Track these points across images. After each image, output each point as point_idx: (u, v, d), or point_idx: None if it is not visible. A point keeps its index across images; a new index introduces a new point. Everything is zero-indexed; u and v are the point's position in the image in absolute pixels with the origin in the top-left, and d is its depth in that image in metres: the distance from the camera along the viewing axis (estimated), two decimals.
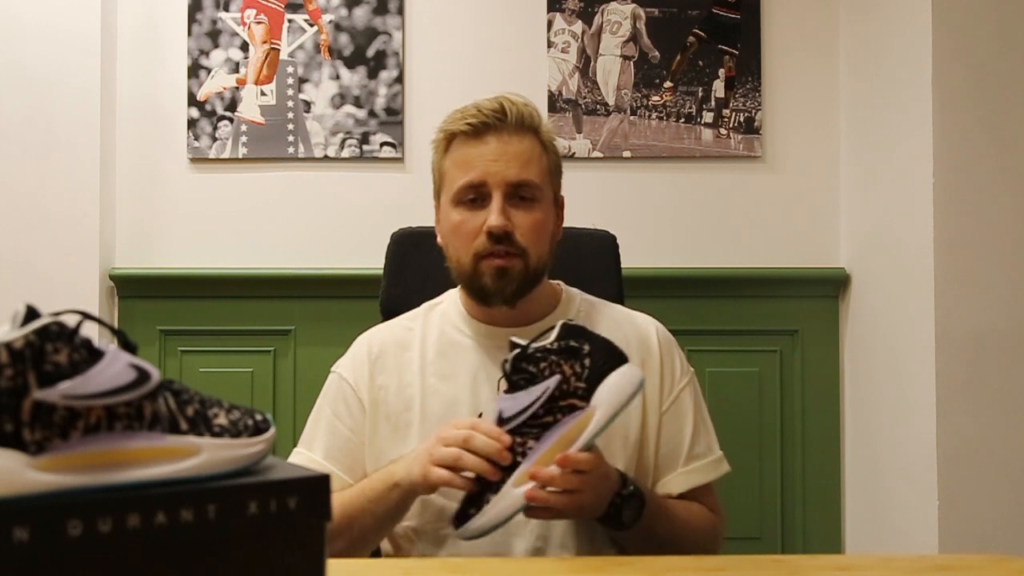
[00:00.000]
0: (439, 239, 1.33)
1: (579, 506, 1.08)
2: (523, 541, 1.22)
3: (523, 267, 1.24)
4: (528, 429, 1.05)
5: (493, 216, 1.22)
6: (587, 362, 1.06)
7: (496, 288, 1.24)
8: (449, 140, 1.29)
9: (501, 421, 1.07)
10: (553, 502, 1.05)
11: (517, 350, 1.07)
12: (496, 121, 1.25)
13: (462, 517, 1.05)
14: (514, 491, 1.03)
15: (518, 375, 1.06)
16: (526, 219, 1.25)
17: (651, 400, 1.29)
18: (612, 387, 1.06)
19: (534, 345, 1.06)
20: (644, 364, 1.30)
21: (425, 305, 1.38)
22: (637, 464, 1.26)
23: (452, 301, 1.36)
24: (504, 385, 1.10)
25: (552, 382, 1.05)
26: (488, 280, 1.24)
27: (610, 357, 1.08)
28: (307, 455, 1.29)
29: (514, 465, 1.05)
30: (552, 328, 1.10)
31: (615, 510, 1.12)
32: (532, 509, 1.06)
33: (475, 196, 1.25)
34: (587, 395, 1.06)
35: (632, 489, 1.13)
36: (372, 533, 1.20)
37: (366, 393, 1.30)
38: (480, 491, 1.05)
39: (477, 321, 1.32)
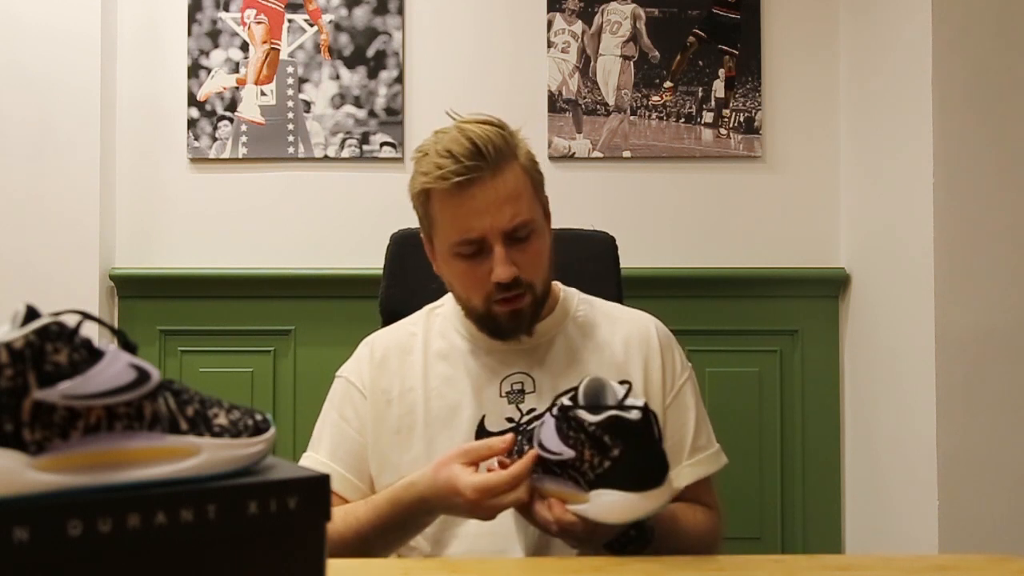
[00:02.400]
0: (436, 269, 1.31)
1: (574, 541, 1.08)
2: (526, 539, 1.22)
3: (532, 299, 1.25)
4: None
5: (499, 269, 1.21)
6: (607, 465, 0.98)
7: (512, 327, 1.26)
8: (428, 192, 1.23)
9: (540, 446, 1.05)
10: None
11: (567, 399, 1.02)
12: (476, 169, 1.19)
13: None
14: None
15: (567, 440, 1.01)
16: (527, 255, 1.24)
17: (654, 396, 1.29)
18: (606, 504, 0.99)
19: (582, 413, 0.99)
20: (646, 360, 1.31)
21: (426, 308, 1.39)
22: None
23: (452, 305, 1.36)
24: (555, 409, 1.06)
25: (566, 455, 1.00)
26: (503, 322, 1.25)
27: (634, 476, 0.98)
28: (315, 459, 1.30)
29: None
30: (622, 388, 1.01)
31: (619, 545, 1.10)
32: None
33: (475, 250, 1.23)
34: (590, 486, 1.00)
35: (633, 535, 1.10)
36: (391, 549, 1.22)
37: (370, 396, 1.31)
38: None
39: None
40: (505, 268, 1.20)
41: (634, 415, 0.97)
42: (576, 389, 1.03)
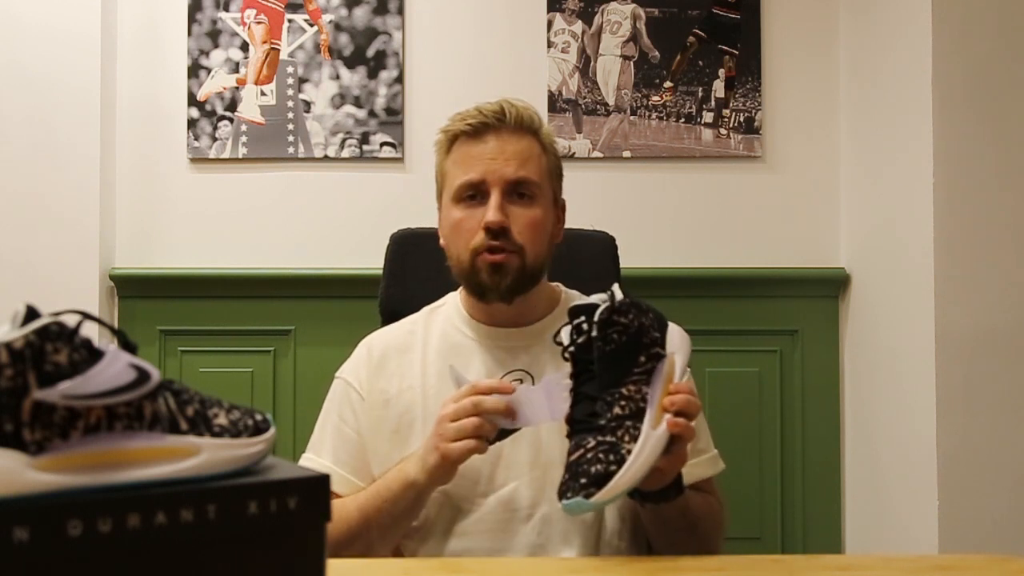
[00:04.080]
0: (441, 240, 1.34)
1: (694, 434, 1.08)
2: (526, 536, 1.22)
3: (519, 263, 1.26)
4: (637, 377, 1.07)
5: (490, 212, 1.24)
6: (651, 315, 1.10)
7: (492, 283, 1.26)
8: (451, 142, 1.31)
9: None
10: (690, 429, 1.06)
11: (607, 302, 1.08)
12: (496, 121, 1.28)
13: (574, 487, 1.01)
14: (656, 432, 1.03)
15: (611, 329, 1.07)
16: (523, 216, 1.26)
17: None
18: (675, 334, 1.13)
19: (618, 298, 1.08)
20: None
21: (426, 308, 1.39)
22: None
23: (453, 303, 1.37)
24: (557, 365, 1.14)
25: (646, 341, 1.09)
26: (485, 276, 1.26)
27: (657, 314, 1.13)
28: (316, 460, 1.30)
29: (640, 412, 1.05)
30: (594, 304, 1.09)
31: (659, 495, 1.11)
32: (673, 446, 1.05)
33: (474, 194, 1.27)
34: (661, 343, 1.10)
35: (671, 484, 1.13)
36: (390, 533, 1.22)
37: (368, 397, 1.31)
38: (587, 459, 1.02)
39: (478, 322, 1.33)
40: (496, 212, 1.24)
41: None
42: (591, 318, 1.08)
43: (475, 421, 1.09)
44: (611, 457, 1.01)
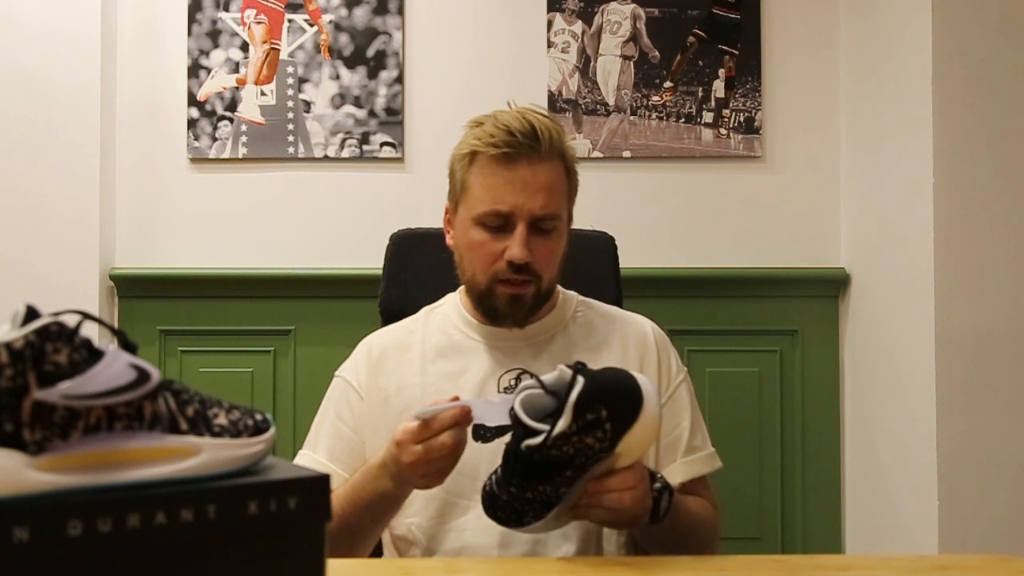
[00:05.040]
0: (449, 241, 1.34)
1: (631, 518, 1.07)
2: (522, 535, 1.22)
3: (536, 291, 1.27)
4: (560, 479, 1.03)
5: (516, 249, 1.23)
6: (608, 427, 1.02)
7: (509, 313, 1.28)
8: (474, 155, 1.27)
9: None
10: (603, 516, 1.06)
11: (534, 441, 1.00)
12: (528, 148, 1.24)
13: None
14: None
15: (542, 456, 1.02)
16: (545, 248, 1.27)
17: None
18: (635, 438, 1.04)
19: (553, 435, 0.99)
20: (643, 359, 1.33)
21: (425, 309, 1.40)
22: None
23: (452, 303, 1.38)
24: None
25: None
26: (502, 304, 1.27)
27: (627, 404, 1.03)
28: (311, 457, 1.31)
29: (550, 505, 1.04)
30: (565, 381, 1.02)
31: (654, 504, 1.11)
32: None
33: (499, 224, 1.26)
34: (610, 449, 1.03)
35: (662, 481, 1.12)
36: (371, 531, 1.21)
37: (367, 396, 1.32)
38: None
39: (477, 322, 1.34)
40: (522, 249, 1.23)
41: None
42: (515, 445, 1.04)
43: (444, 463, 1.07)
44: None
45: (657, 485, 1.11)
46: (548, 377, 1.04)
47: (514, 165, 1.24)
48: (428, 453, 1.05)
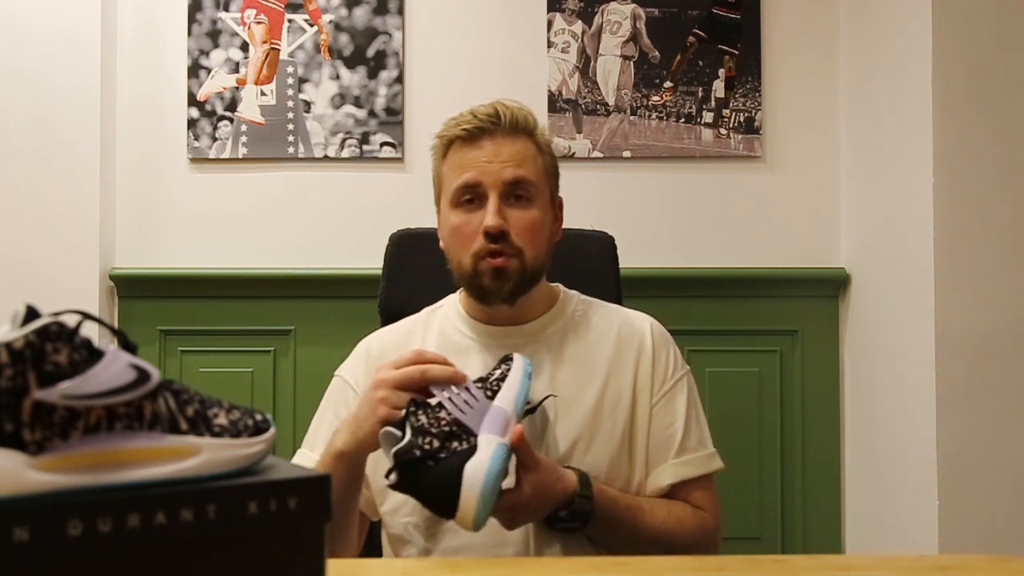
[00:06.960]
0: (441, 243, 1.34)
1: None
2: (520, 533, 1.22)
3: (520, 266, 1.26)
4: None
5: (489, 216, 1.25)
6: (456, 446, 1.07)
7: (495, 288, 1.27)
8: (446, 147, 1.31)
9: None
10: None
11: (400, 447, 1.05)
12: (490, 124, 1.28)
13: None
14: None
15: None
16: (522, 218, 1.27)
17: (642, 393, 1.30)
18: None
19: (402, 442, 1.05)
20: (637, 359, 1.32)
21: (426, 309, 1.41)
22: (628, 456, 1.28)
23: (452, 304, 1.38)
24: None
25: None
26: (487, 280, 1.26)
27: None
28: (309, 455, 1.30)
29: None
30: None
31: (550, 522, 1.17)
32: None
33: (472, 197, 1.27)
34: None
35: (564, 515, 1.17)
36: (336, 519, 1.21)
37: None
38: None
39: (477, 322, 1.34)
40: (494, 216, 1.25)
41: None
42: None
43: (417, 371, 1.12)
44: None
45: (572, 506, 1.15)
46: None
47: (479, 142, 1.28)
48: (401, 379, 1.12)
